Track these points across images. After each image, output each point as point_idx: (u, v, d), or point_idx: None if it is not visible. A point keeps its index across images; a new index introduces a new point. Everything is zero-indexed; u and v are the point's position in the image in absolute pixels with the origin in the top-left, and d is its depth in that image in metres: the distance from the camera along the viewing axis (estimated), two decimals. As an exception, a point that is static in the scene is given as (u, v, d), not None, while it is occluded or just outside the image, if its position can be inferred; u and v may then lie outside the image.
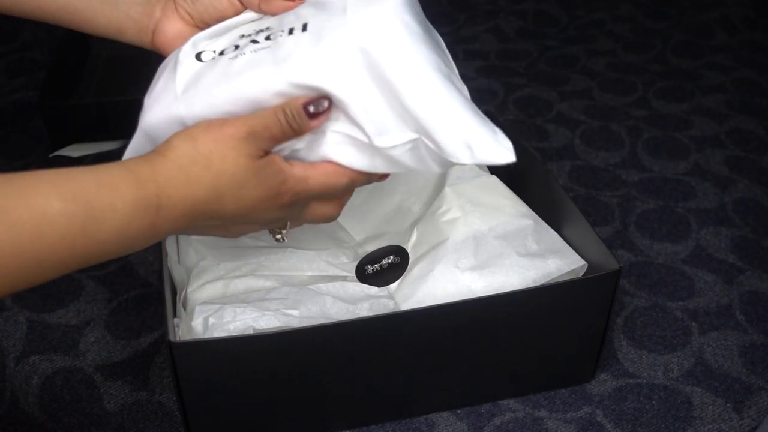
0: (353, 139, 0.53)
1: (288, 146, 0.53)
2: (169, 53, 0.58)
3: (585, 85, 1.14)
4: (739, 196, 0.90)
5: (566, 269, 0.65)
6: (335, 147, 0.53)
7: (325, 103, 0.51)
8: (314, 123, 0.51)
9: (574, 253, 0.67)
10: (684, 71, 1.17)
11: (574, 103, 1.09)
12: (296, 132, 0.52)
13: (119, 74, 1.12)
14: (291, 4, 0.56)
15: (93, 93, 1.10)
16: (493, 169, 0.80)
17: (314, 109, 0.51)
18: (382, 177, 0.57)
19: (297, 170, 0.52)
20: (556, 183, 0.71)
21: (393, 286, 0.68)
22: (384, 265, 0.67)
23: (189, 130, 0.50)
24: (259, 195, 0.50)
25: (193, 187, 0.48)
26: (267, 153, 0.51)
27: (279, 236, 0.58)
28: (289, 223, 0.57)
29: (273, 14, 0.56)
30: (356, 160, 0.54)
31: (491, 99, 1.10)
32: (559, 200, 0.70)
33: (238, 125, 0.49)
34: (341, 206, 0.58)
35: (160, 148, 0.49)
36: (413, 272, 0.66)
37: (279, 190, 0.51)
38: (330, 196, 0.55)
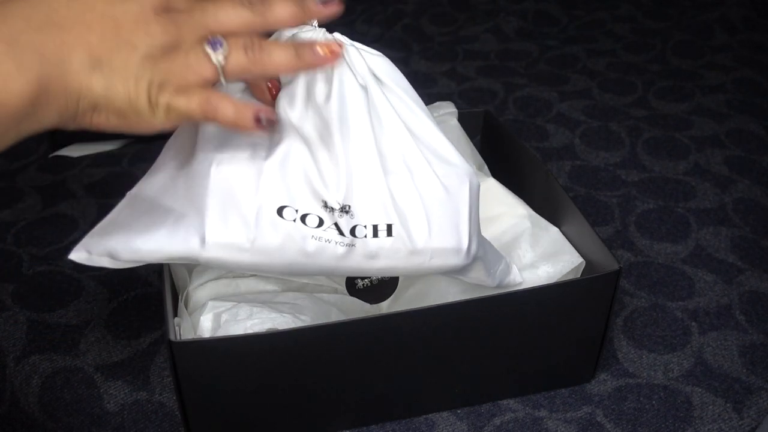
0: None
1: None
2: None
3: (585, 85, 1.14)
4: (739, 196, 0.90)
5: (556, 277, 0.66)
6: None
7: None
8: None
9: (571, 252, 0.67)
10: (684, 71, 1.17)
11: (574, 103, 1.09)
12: None
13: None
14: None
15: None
16: (493, 172, 0.80)
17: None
18: None
19: None
20: (556, 183, 0.71)
21: (385, 305, 0.68)
22: (374, 281, 0.67)
23: None
24: None
25: None
26: None
27: (215, 60, 0.44)
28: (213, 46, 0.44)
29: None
30: None
31: (491, 99, 1.10)
32: (559, 200, 0.70)
33: None
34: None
35: None
36: (406, 297, 0.67)
37: None
38: None
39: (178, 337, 0.60)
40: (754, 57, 1.21)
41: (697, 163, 0.96)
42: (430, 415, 0.65)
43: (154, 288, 0.77)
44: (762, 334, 0.73)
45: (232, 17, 0.45)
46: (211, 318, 0.60)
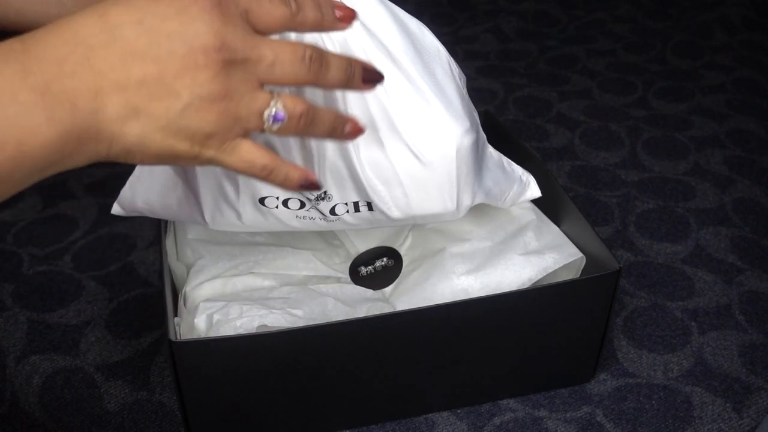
0: None
1: None
2: None
3: (585, 85, 1.14)
4: (739, 196, 0.90)
5: (563, 262, 0.65)
6: None
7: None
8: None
9: (574, 247, 0.67)
10: (684, 71, 1.17)
11: (574, 103, 1.09)
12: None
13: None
14: None
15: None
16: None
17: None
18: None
19: None
20: (556, 183, 0.71)
21: (388, 290, 0.68)
22: (378, 268, 0.67)
23: None
24: None
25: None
26: None
27: (266, 128, 0.42)
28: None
29: None
30: None
31: (491, 99, 1.10)
32: (559, 200, 0.70)
33: None
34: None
35: None
36: (410, 279, 0.67)
37: None
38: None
39: (178, 337, 0.60)
40: (754, 57, 1.21)
41: (697, 163, 0.96)
42: (430, 415, 0.65)
43: (154, 288, 0.77)
44: (762, 334, 0.73)
45: (289, 74, 0.42)
46: (204, 319, 0.60)
